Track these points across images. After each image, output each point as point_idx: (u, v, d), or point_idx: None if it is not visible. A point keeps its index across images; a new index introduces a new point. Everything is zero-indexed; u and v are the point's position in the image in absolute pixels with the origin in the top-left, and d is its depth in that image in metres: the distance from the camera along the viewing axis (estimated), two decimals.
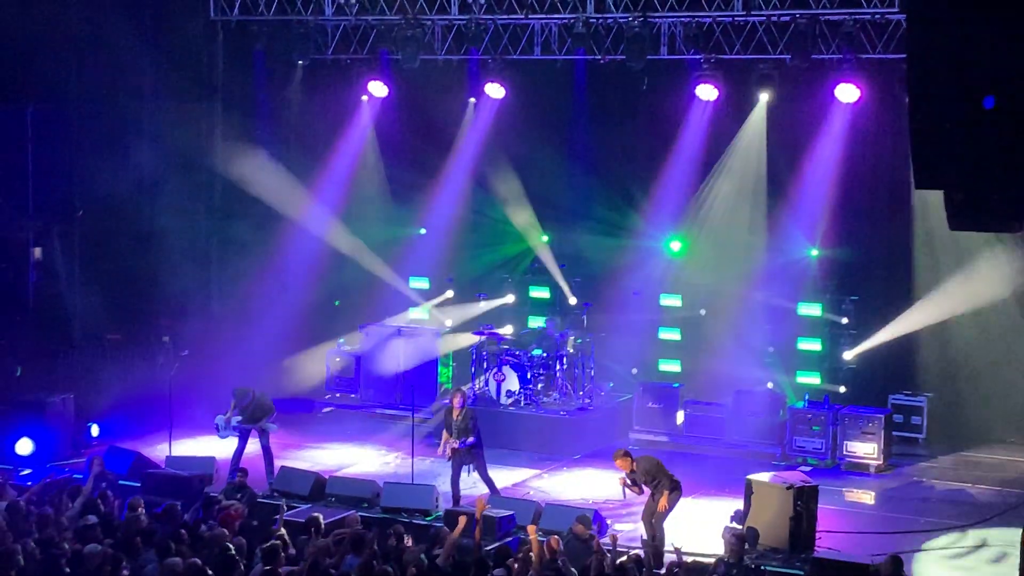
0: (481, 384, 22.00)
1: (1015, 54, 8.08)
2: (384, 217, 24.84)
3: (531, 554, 13.16)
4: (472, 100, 23.53)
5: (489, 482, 17.63)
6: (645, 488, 15.67)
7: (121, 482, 17.56)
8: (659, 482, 15.59)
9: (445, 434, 17.59)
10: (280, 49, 23.45)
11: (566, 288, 23.47)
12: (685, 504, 17.48)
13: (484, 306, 23.88)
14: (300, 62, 23.50)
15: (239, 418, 18.64)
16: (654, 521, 15.55)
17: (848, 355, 21.80)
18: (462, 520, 13.89)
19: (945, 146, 8.33)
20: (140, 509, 14.57)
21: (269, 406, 18.85)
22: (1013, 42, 8.04)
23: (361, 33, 23.18)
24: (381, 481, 17.90)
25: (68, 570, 12.57)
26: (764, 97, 21.43)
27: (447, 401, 18.53)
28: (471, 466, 17.59)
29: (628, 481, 15.59)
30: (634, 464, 15.59)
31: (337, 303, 24.77)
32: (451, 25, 22.56)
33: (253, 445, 18.84)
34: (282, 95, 24.36)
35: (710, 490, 18.65)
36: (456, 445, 17.34)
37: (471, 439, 17.36)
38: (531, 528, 13.88)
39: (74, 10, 21.98)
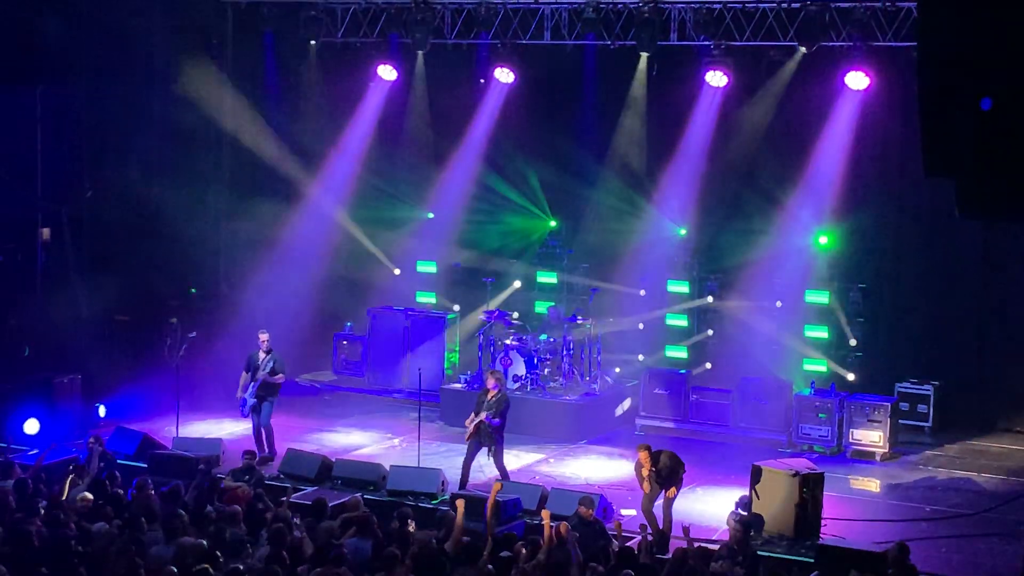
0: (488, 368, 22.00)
1: None
2: (393, 201, 24.84)
3: (541, 538, 13.22)
4: (482, 81, 23.43)
5: (502, 469, 17.63)
6: (647, 484, 15.62)
7: (128, 463, 17.62)
8: (674, 475, 15.62)
9: (472, 415, 17.52)
10: (290, 31, 23.47)
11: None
12: (691, 491, 17.56)
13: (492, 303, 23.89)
14: (312, 42, 23.46)
15: (260, 377, 18.65)
16: (663, 507, 15.57)
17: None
18: (460, 504, 13.91)
19: (955, 134, 8.33)
20: (149, 489, 14.61)
21: (283, 364, 18.95)
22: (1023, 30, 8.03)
23: (371, 16, 23.15)
24: (387, 464, 17.93)
25: (80, 548, 12.64)
26: (773, 89, 21.47)
27: (480, 383, 18.64)
28: (491, 448, 17.55)
29: (651, 475, 15.53)
30: (652, 460, 15.54)
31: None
32: (461, 9, 22.54)
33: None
34: (292, 77, 24.36)
35: (716, 477, 18.67)
36: (484, 418, 17.31)
37: (497, 419, 17.35)
38: (545, 513, 13.93)
39: None
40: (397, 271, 24.97)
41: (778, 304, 22.20)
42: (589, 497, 15.02)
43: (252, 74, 24.28)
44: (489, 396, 17.50)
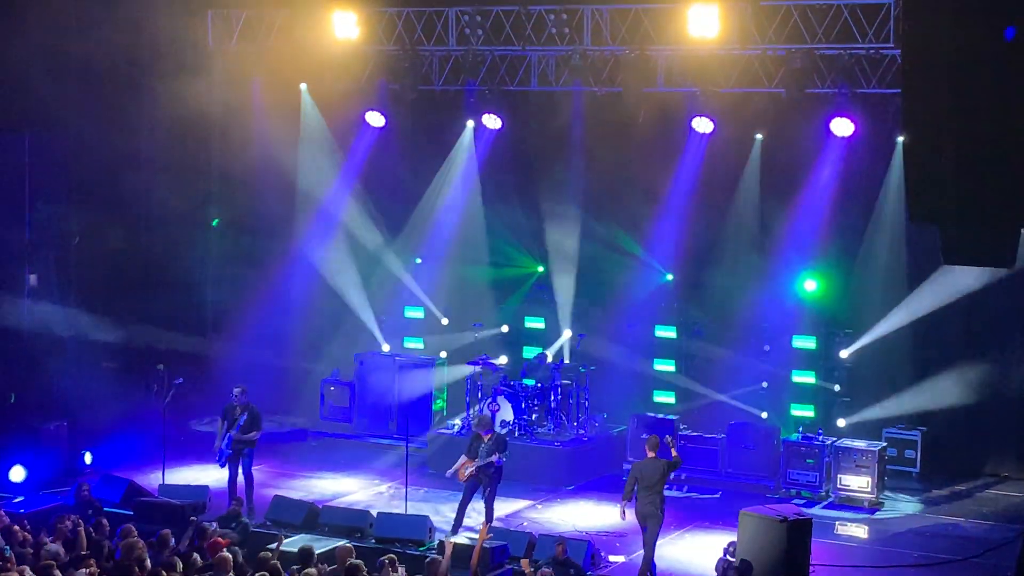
0: (476, 414, 21.98)
1: (1010, 91, 8.14)
2: (380, 246, 24.84)
3: None
4: (470, 123, 23.50)
5: (492, 510, 17.75)
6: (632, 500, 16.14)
7: (114, 510, 17.53)
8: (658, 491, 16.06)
9: (464, 458, 17.66)
10: (279, 78, 23.52)
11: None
12: (680, 537, 17.53)
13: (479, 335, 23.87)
14: (303, 86, 23.54)
15: (231, 433, 18.51)
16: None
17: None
18: (449, 545, 13.92)
19: (939, 181, 8.39)
20: (133, 537, 14.54)
21: (259, 419, 18.80)
22: (1007, 80, 8.10)
23: (359, 62, 23.20)
24: (374, 511, 17.87)
25: None
26: (759, 136, 21.63)
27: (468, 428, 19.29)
28: (487, 489, 17.68)
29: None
30: (657, 456, 16.25)
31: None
32: (448, 56, 22.65)
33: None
34: (282, 123, 24.39)
35: (704, 522, 18.65)
36: (494, 460, 17.48)
37: (503, 459, 17.58)
38: (524, 562, 13.91)
39: (72, 37, 22.04)
40: (384, 317, 24.93)
41: (766, 348, 22.23)
42: (563, 537, 15.22)
43: (240, 120, 24.28)
44: (486, 439, 17.67)
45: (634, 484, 16.16)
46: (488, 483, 17.68)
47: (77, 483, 17.62)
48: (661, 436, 16.78)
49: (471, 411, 22.00)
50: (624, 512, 16.14)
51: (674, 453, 16.34)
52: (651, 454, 16.40)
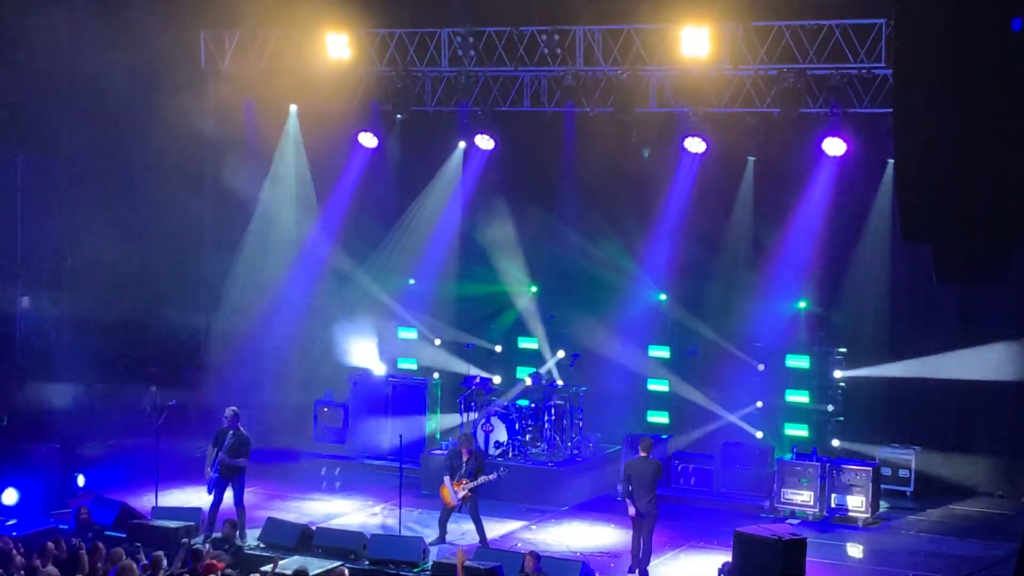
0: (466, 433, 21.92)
1: (1002, 110, 8.16)
2: (373, 267, 24.83)
3: None
4: (462, 144, 23.52)
5: (480, 523, 18.04)
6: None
7: (107, 532, 17.48)
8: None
9: (447, 478, 18.22)
10: (271, 98, 23.54)
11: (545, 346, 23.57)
12: (674, 557, 17.50)
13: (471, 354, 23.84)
14: (293, 107, 23.59)
15: (219, 455, 18.35)
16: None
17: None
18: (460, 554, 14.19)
19: (931, 200, 8.39)
20: (124, 559, 14.51)
21: (247, 445, 18.62)
22: (999, 99, 8.12)
23: (351, 83, 23.23)
24: (368, 532, 17.82)
25: None
26: (749, 151, 21.69)
27: (451, 444, 19.44)
28: (469, 504, 18.09)
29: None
30: (649, 457, 17.12)
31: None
32: (441, 77, 22.68)
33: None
34: (273, 144, 24.39)
35: (699, 542, 18.62)
36: (492, 478, 18.22)
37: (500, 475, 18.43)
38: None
39: (65, 59, 22.07)
40: (378, 337, 24.88)
41: (760, 368, 22.22)
42: (534, 552, 15.70)
43: (233, 141, 24.30)
44: (466, 460, 18.20)
45: (628, 482, 17.00)
46: (472, 498, 18.14)
47: (77, 506, 17.57)
48: (659, 454, 17.03)
49: (464, 432, 21.95)
50: (631, 508, 16.96)
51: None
52: (643, 455, 17.09)
